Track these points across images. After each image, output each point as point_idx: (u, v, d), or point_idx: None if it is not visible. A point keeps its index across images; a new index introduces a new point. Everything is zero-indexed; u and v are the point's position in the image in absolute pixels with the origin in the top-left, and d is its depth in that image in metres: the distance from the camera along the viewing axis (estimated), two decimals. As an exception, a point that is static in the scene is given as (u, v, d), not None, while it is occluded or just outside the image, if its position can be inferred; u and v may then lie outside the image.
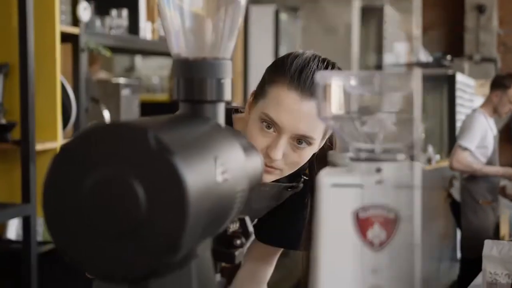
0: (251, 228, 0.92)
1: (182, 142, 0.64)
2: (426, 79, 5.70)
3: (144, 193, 0.60)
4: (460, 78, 6.96)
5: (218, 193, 0.68)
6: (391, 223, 0.67)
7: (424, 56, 5.58)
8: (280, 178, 1.37)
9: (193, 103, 0.80)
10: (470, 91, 7.43)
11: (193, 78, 0.80)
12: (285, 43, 5.69)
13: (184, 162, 0.61)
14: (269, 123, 1.24)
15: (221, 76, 0.81)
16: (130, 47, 3.24)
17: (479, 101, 8.23)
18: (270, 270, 1.52)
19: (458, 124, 7.14)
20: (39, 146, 2.41)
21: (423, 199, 0.70)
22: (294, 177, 1.40)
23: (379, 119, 0.71)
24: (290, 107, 1.22)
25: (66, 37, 2.64)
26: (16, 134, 2.41)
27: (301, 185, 1.40)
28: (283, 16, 5.67)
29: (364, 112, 0.72)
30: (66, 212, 0.62)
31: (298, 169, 1.37)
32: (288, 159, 1.26)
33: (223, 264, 0.92)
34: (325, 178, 0.69)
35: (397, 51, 7.93)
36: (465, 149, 4.17)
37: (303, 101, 1.22)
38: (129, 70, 5.51)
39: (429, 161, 5.70)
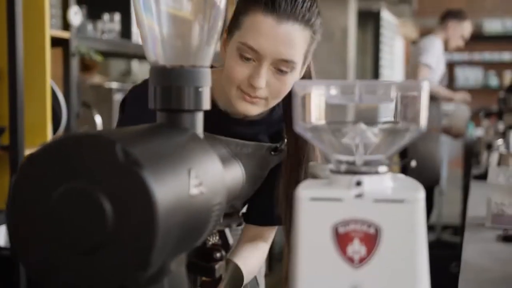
0: (231, 240, 0.89)
1: (153, 155, 0.62)
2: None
3: (111, 208, 0.58)
4: (385, 15, 7.04)
5: (192, 207, 0.65)
6: (371, 239, 0.64)
7: None
8: (263, 139, 1.37)
9: (170, 112, 0.78)
10: (392, 29, 7.54)
11: (171, 87, 0.77)
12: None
13: (154, 175, 0.58)
14: (248, 52, 1.21)
15: (199, 84, 0.78)
16: (123, 51, 3.22)
17: (399, 40, 8.39)
18: (266, 248, 1.48)
19: (382, 62, 7.27)
20: (28, 152, 2.38)
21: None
22: (276, 138, 1.39)
23: (359, 130, 0.69)
24: (268, 32, 1.19)
25: (57, 42, 2.61)
26: (5, 139, 2.38)
27: (284, 147, 1.38)
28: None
29: (345, 123, 0.70)
30: (31, 224, 0.60)
31: (279, 128, 1.37)
32: (271, 87, 1.23)
33: (203, 278, 0.89)
34: (304, 191, 0.66)
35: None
36: (427, 65, 4.28)
37: (280, 24, 1.20)
38: (125, 74, 5.48)
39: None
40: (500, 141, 3.03)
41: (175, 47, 0.79)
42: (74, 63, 2.67)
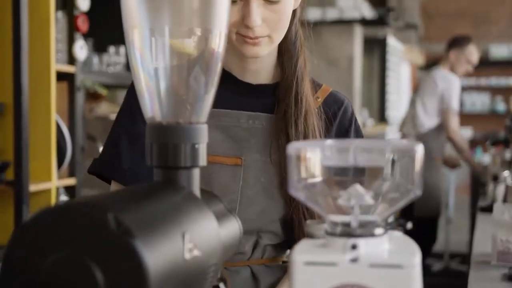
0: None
1: (146, 221, 0.61)
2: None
3: (103, 278, 0.57)
4: (391, 41, 7.05)
5: (186, 272, 0.64)
6: (367, 305, 0.63)
7: (368, 12, 5.59)
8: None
9: (166, 169, 0.78)
10: (398, 55, 7.56)
11: (167, 144, 0.77)
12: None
13: (146, 244, 0.58)
14: None
15: (196, 141, 0.78)
16: (128, 84, 3.22)
17: (405, 66, 8.42)
18: None
19: (388, 88, 7.28)
20: (33, 187, 2.39)
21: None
22: None
23: (355, 192, 0.68)
24: None
25: (62, 76, 2.63)
26: (9, 174, 2.38)
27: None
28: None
29: (340, 184, 0.69)
30: (23, 293, 0.59)
31: None
32: (269, 21, 1.15)
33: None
34: (299, 256, 0.65)
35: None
36: (457, 111, 4.30)
37: None
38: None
39: (363, 125, 5.78)
40: (506, 173, 3.01)
41: (172, 104, 0.79)
42: (80, 97, 2.68)
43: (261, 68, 1.26)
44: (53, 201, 2.49)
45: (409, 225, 2.89)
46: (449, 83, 4.36)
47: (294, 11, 1.24)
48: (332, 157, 0.68)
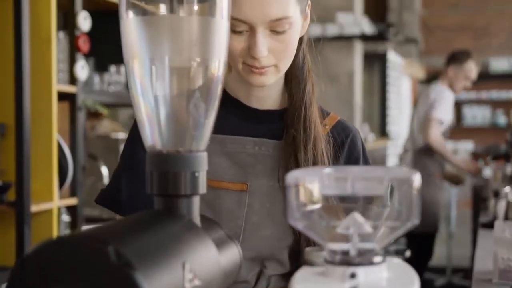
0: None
1: (146, 252, 0.62)
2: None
3: (104, 310, 0.58)
4: (391, 56, 7.07)
5: (187, 301, 0.65)
6: (366, 334, 0.64)
7: (368, 28, 5.60)
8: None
9: (167, 198, 0.78)
10: (399, 70, 7.57)
11: (168, 172, 0.78)
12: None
13: (147, 276, 0.59)
14: (237, 25, 1.12)
15: (196, 169, 0.79)
16: (129, 103, 3.25)
17: (406, 80, 8.44)
18: None
19: (389, 103, 7.29)
20: (34, 208, 2.39)
21: None
22: None
23: (354, 220, 0.69)
24: None
25: (64, 96, 2.64)
26: (11, 195, 2.39)
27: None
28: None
29: (338, 212, 0.70)
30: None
31: None
32: (275, 52, 1.14)
33: None
34: (298, 284, 0.66)
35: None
36: (441, 121, 4.26)
37: None
38: (133, 117, 5.51)
39: (365, 140, 5.74)
40: (507, 189, 3.01)
41: (172, 132, 0.80)
42: (81, 117, 2.69)
43: (267, 95, 1.26)
44: (54, 221, 2.50)
45: (408, 253, 2.88)
46: (439, 94, 4.37)
47: (302, 37, 1.24)
48: (330, 186, 0.69)
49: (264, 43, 1.12)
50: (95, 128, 3.52)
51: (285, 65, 1.17)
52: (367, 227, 0.68)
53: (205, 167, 0.80)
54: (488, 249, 2.09)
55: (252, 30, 1.12)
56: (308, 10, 1.21)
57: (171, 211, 0.78)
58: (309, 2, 1.22)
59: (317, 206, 0.70)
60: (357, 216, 0.69)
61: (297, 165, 1.18)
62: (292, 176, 0.69)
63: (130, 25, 0.78)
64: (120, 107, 3.52)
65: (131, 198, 1.19)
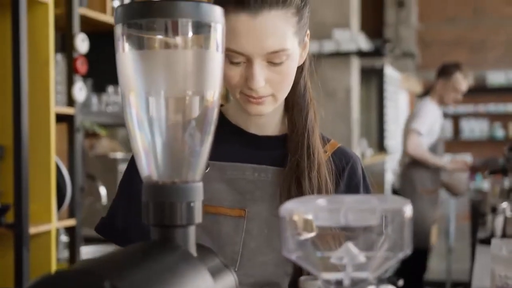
0: None
1: (142, 286, 0.63)
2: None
3: None
4: (388, 71, 7.11)
5: (183, 333, 0.66)
6: None
7: (364, 44, 5.62)
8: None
9: (163, 228, 0.79)
10: (396, 84, 7.60)
11: (164, 203, 0.79)
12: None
13: (143, 310, 0.60)
14: (234, 56, 1.13)
15: (192, 199, 0.80)
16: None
17: (403, 94, 8.46)
18: None
19: (386, 118, 7.30)
20: (33, 229, 2.40)
21: None
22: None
23: (347, 250, 0.70)
24: (244, 29, 1.11)
25: (62, 117, 2.66)
26: (9, 217, 2.40)
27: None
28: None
29: (332, 242, 0.71)
30: None
31: None
32: (273, 82, 1.14)
33: None
34: (293, 315, 0.67)
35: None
36: (419, 133, 4.24)
37: (255, 17, 1.11)
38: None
39: (362, 155, 5.77)
40: (505, 204, 3.01)
41: (168, 163, 0.81)
42: (79, 138, 2.70)
43: (267, 121, 1.27)
44: (53, 243, 2.50)
45: (401, 282, 2.88)
46: (422, 107, 4.38)
47: (302, 65, 1.24)
48: (324, 217, 0.70)
49: (261, 74, 1.13)
50: (94, 147, 3.53)
51: (283, 95, 1.18)
52: (361, 257, 0.69)
53: (201, 197, 0.81)
54: (486, 266, 2.10)
55: (249, 62, 1.13)
56: (307, 39, 1.22)
57: (167, 241, 0.79)
58: (308, 31, 1.22)
59: (311, 236, 0.71)
60: (350, 246, 0.70)
61: (301, 192, 1.19)
62: (286, 207, 0.70)
63: (126, 59, 0.79)
64: (119, 127, 3.53)
65: (128, 228, 1.20)
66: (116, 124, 3.32)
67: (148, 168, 0.81)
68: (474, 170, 9.84)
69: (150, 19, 0.78)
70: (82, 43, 2.66)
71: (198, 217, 0.80)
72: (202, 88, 0.81)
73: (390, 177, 7.38)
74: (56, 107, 2.57)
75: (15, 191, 2.36)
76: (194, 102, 0.81)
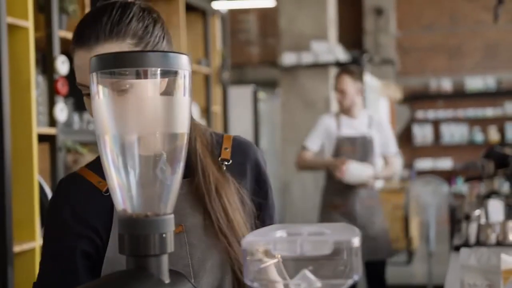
0: None
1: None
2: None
3: None
4: (367, 79, 7.23)
5: None
6: None
7: (342, 55, 5.65)
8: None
9: (137, 258, 0.86)
10: (376, 91, 7.71)
11: (138, 235, 0.86)
12: (265, 120, 5.83)
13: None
14: (84, 89, 1.19)
15: (164, 231, 0.87)
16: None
17: (383, 101, 8.59)
18: None
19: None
20: (17, 248, 2.45)
21: None
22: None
23: (305, 277, 0.77)
24: (84, 63, 1.17)
25: (44, 137, 2.71)
26: (-7, 236, 2.45)
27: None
28: (262, 95, 5.81)
29: (290, 270, 0.79)
30: None
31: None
32: None
33: None
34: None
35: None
36: (304, 147, 4.10)
37: (91, 51, 1.17)
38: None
39: None
40: (477, 212, 3.09)
41: (141, 198, 0.89)
42: (61, 157, 2.76)
43: None
44: (37, 260, 2.55)
45: None
46: (317, 120, 4.26)
47: None
48: (282, 248, 0.78)
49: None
50: (78, 162, 3.59)
51: None
52: (317, 283, 0.77)
53: (172, 228, 0.89)
54: (459, 272, 2.17)
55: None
56: None
57: (142, 271, 0.86)
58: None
59: (271, 266, 0.79)
60: (307, 273, 0.78)
61: (210, 210, 1.25)
62: (246, 241, 0.78)
63: (101, 104, 0.87)
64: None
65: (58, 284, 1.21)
66: (98, 141, 3.38)
67: (123, 203, 0.89)
68: (454, 174, 9.99)
69: (122, 69, 0.86)
70: (62, 65, 2.72)
71: (170, 246, 0.88)
72: (171, 128, 0.88)
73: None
74: (38, 127, 2.63)
75: (-1, 211, 2.41)
76: (164, 141, 0.89)
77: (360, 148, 4.09)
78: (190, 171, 1.27)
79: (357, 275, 0.77)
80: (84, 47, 1.18)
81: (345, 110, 4.12)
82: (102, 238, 1.25)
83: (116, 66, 0.86)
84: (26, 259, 2.53)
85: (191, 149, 1.28)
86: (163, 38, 1.25)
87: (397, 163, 4.19)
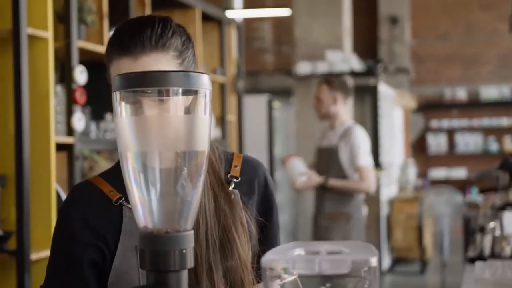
0: None
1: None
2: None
3: None
4: (382, 88, 7.21)
5: None
6: None
7: (357, 64, 5.65)
8: None
9: (158, 273, 0.88)
10: (391, 100, 7.69)
11: (158, 251, 0.88)
12: (279, 128, 5.84)
13: None
14: None
15: (184, 247, 0.89)
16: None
17: (397, 110, 8.56)
18: None
19: (381, 134, 7.38)
20: (34, 256, 2.48)
21: None
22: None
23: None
24: (127, 71, 1.18)
25: (61, 146, 2.75)
26: (12, 244, 2.48)
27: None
28: (276, 104, 5.83)
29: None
30: None
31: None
32: None
33: None
34: None
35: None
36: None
37: (137, 60, 1.20)
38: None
39: None
40: (492, 224, 3.09)
41: (162, 215, 0.90)
42: (78, 166, 2.79)
43: None
44: (54, 268, 2.58)
45: None
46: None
47: None
48: (300, 267, 0.79)
49: (149, 112, 1.15)
50: (93, 169, 3.62)
51: None
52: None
53: (192, 244, 0.90)
54: (473, 285, 2.17)
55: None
56: None
57: (162, 286, 0.88)
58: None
59: (289, 284, 0.80)
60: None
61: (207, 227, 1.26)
62: (266, 259, 0.79)
63: (124, 123, 0.89)
64: (117, 151, 3.62)
65: None
66: (115, 149, 3.41)
67: (144, 219, 0.90)
68: (469, 183, 9.95)
69: (145, 88, 0.88)
70: (80, 75, 2.75)
71: (190, 262, 0.89)
72: (192, 147, 0.90)
73: (386, 194, 7.47)
74: (56, 136, 2.66)
75: (17, 218, 2.44)
76: (185, 159, 0.91)
77: (325, 159, 4.11)
78: None
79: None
80: (129, 55, 1.20)
81: (324, 119, 4.18)
82: (110, 247, 1.26)
83: (139, 86, 0.88)
84: (43, 266, 2.54)
85: None
86: (194, 54, 1.29)
87: (370, 177, 4.06)
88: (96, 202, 1.28)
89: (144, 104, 1.05)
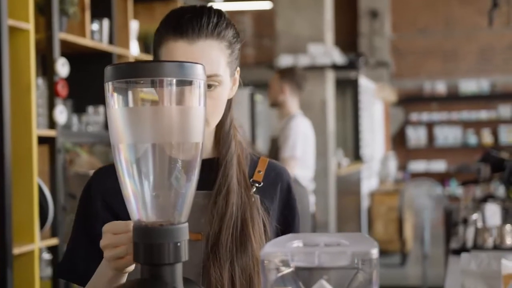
0: None
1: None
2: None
3: None
4: (363, 82, 7.26)
5: None
6: None
7: (339, 58, 5.68)
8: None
9: (152, 266, 0.87)
10: (371, 93, 7.74)
11: (152, 244, 0.86)
12: (261, 122, 5.82)
13: None
14: None
15: (178, 240, 0.87)
16: (107, 142, 3.31)
17: (378, 104, 8.61)
18: None
19: (362, 127, 7.44)
20: (16, 250, 2.45)
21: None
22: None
23: (321, 285, 0.78)
24: (182, 54, 1.20)
25: (43, 139, 2.71)
26: (-7, 238, 2.44)
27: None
28: (258, 98, 5.81)
29: (307, 280, 0.79)
30: None
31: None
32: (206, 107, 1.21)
33: None
34: None
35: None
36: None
37: (192, 44, 1.20)
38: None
39: (339, 165, 5.78)
40: (475, 216, 3.10)
41: (155, 207, 0.89)
42: (60, 159, 2.76)
43: None
44: (36, 262, 2.55)
45: None
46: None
47: (231, 101, 1.32)
48: (299, 259, 0.78)
49: None
50: (74, 162, 3.58)
51: (215, 121, 1.26)
52: (332, 294, 0.77)
53: (186, 237, 0.89)
54: (458, 276, 2.18)
55: None
56: (237, 75, 1.31)
57: (156, 279, 0.86)
58: (239, 68, 1.31)
59: (288, 276, 0.79)
60: (324, 283, 0.78)
61: (212, 215, 1.25)
62: (265, 252, 0.78)
63: (116, 114, 0.87)
64: (99, 144, 3.59)
65: (90, 268, 1.20)
66: (96, 143, 3.37)
67: (138, 213, 0.89)
68: (448, 176, 10.03)
69: (138, 78, 0.86)
70: (62, 68, 2.72)
71: (185, 255, 0.88)
72: (185, 138, 0.89)
73: (366, 186, 7.50)
74: (38, 130, 2.62)
75: (-1, 213, 2.41)
76: (179, 150, 0.89)
77: (273, 149, 4.17)
78: (211, 184, 1.28)
79: (376, 287, 0.77)
80: (185, 38, 1.20)
81: (273, 106, 4.24)
82: None
83: (131, 76, 0.86)
84: (26, 261, 2.52)
85: (224, 164, 1.30)
86: (239, 50, 1.30)
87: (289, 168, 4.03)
88: (116, 185, 1.27)
89: (136, 95, 1.02)
